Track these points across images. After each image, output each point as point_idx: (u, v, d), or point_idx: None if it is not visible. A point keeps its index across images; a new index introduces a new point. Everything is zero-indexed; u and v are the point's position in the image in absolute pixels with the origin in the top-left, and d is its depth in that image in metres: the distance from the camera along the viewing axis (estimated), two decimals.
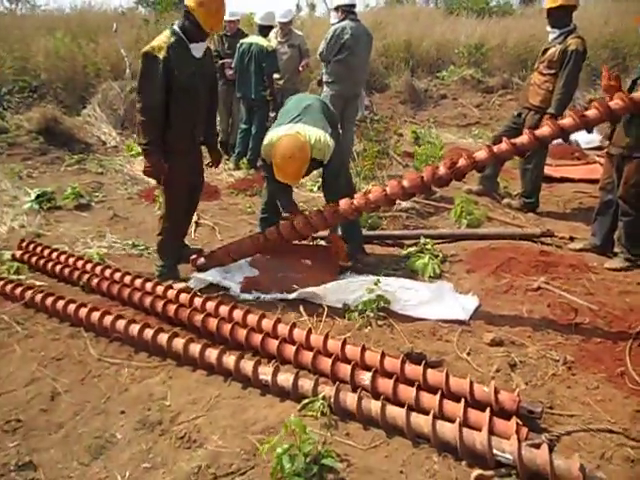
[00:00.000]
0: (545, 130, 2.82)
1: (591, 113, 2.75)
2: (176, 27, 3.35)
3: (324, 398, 2.39)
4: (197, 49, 3.42)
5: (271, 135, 3.59)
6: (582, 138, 7.37)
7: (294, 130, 3.50)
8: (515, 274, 3.72)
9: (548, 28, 4.88)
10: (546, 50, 4.87)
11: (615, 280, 3.70)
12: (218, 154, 4.00)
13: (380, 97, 9.62)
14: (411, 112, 9.53)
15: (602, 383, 2.68)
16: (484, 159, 2.97)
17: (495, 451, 2.09)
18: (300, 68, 6.95)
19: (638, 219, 3.85)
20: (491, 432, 2.15)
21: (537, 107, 4.89)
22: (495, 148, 2.94)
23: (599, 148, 7.57)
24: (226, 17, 6.96)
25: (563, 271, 3.73)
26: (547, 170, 5.65)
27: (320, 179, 4.19)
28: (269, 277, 3.68)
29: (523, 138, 2.89)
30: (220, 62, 6.90)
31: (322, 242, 4.30)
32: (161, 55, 3.25)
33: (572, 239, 4.38)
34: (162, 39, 3.31)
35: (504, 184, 5.60)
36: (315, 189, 5.67)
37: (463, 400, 2.35)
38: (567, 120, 2.79)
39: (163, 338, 2.87)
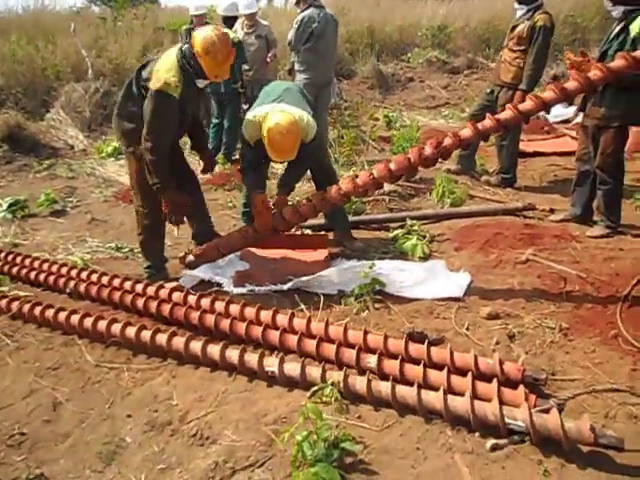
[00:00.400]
0: (528, 104, 2.87)
1: (571, 85, 2.81)
2: (183, 59, 3.16)
3: (333, 384, 2.39)
4: (201, 82, 3.35)
5: (254, 113, 3.52)
6: (551, 112, 7.53)
7: (278, 108, 3.46)
8: (502, 248, 3.79)
9: (515, 5, 4.94)
10: (514, 27, 4.93)
11: (598, 247, 3.80)
12: (211, 160, 3.96)
13: (348, 84, 9.61)
14: (380, 97, 9.55)
15: (598, 346, 2.76)
16: (469, 137, 3.00)
17: (507, 420, 2.13)
18: (268, 59, 6.86)
19: (615, 187, 3.96)
20: (501, 402, 2.20)
21: (509, 84, 4.95)
22: (479, 125, 2.97)
23: (566, 121, 7.76)
24: (192, 11, 6.88)
25: (549, 242, 3.82)
26: (520, 146, 5.73)
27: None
28: (261, 269, 3.66)
29: (507, 113, 2.93)
30: None
31: (308, 231, 4.31)
32: (176, 94, 3.14)
33: (552, 211, 4.48)
34: (173, 74, 3.12)
35: (481, 162, 5.69)
36: None
37: (470, 374, 2.39)
38: (548, 93, 2.84)
39: (162, 338, 2.83)
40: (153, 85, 3.12)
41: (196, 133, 3.80)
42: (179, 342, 2.79)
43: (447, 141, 3.02)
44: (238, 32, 6.65)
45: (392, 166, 3.13)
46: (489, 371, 2.45)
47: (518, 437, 2.13)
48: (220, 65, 3.19)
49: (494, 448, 2.11)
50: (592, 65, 3.02)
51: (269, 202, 3.59)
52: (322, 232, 4.29)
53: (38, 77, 8.51)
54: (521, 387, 2.30)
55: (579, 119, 6.76)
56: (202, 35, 3.14)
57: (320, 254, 3.78)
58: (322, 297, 3.31)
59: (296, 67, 5.98)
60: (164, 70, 3.14)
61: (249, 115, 3.59)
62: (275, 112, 3.41)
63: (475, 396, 2.26)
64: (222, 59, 3.16)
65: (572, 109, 7.23)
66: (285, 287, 3.39)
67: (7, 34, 9.10)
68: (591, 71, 2.82)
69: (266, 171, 4.04)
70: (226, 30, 6.20)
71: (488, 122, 2.95)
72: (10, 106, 8.01)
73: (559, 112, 7.49)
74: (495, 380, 2.34)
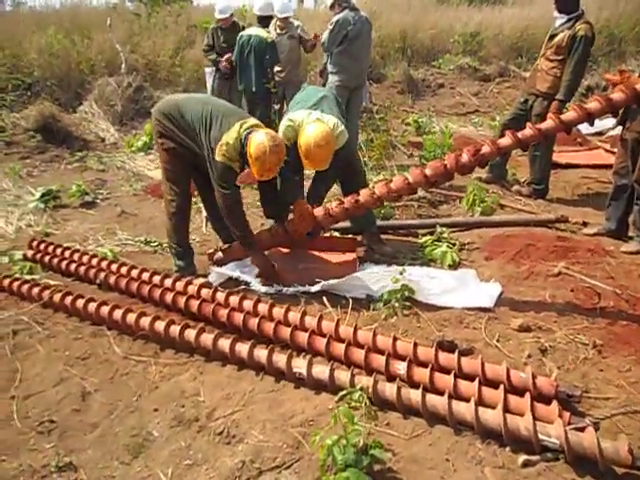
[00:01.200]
0: (571, 114, 2.81)
1: (617, 96, 2.74)
2: (242, 148, 3.30)
3: (362, 389, 2.37)
4: None
5: (293, 117, 3.56)
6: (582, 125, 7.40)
7: (314, 117, 3.48)
8: (534, 260, 3.72)
9: (555, 13, 4.86)
10: (553, 36, 4.85)
11: (634, 263, 3.71)
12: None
13: (378, 87, 9.57)
14: (410, 102, 9.49)
15: (633, 365, 2.69)
16: (508, 145, 2.96)
17: (540, 436, 2.08)
18: (314, 41, 6.74)
19: None
20: (534, 417, 2.15)
21: (545, 93, 4.88)
22: (520, 134, 2.92)
23: (599, 134, 7.62)
24: (216, 15, 6.91)
25: (582, 256, 3.74)
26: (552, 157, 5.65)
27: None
28: (288, 269, 3.64)
29: (548, 123, 2.87)
30: (217, 58, 6.93)
31: (336, 233, 4.29)
32: (237, 168, 3.38)
33: (585, 224, 4.40)
34: (234, 155, 3.30)
35: (512, 171, 5.60)
36: None
37: (502, 386, 2.34)
38: (593, 104, 2.78)
39: (191, 334, 2.84)
40: (218, 157, 3.30)
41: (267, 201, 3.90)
42: (207, 339, 2.79)
43: (485, 149, 2.98)
44: (272, 33, 6.67)
45: (428, 171, 3.10)
46: (521, 385, 2.40)
47: (551, 454, 2.09)
48: (267, 171, 3.31)
49: (526, 464, 2.07)
50: (636, 77, 2.94)
51: (311, 208, 3.59)
52: (350, 235, 4.28)
53: (73, 70, 8.66)
54: (554, 403, 2.24)
55: (614, 132, 6.69)
56: (256, 141, 3.21)
57: (349, 257, 3.76)
58: (350, 301, 3.29)
59: (329, 69, 5.97)
60: (228, 147, 3.28)
61: (287, 119, 3.63)
62: (311, 121, 3.44)
63: (507, 409, 2.22)
64: (269, 167, 3.28)
65: (607, 121, 7.10)
66: (313, 289, 3.38)
67: (45, 28, 9.27)
68: (638, 83, 2.75)
69: (302, 175, 4.06)
70: (260, 29, 6.30)
71: (529, 131, 2.90)
72: (45, 98, 8.16)
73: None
74: (528, 394, 2.30)
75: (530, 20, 11.77)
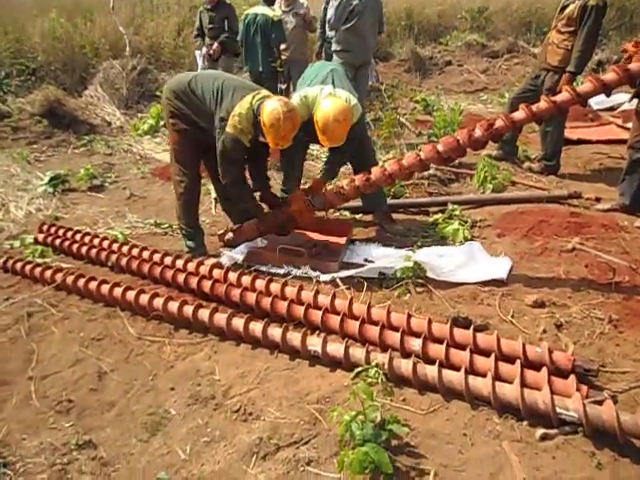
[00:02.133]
0: (587, 86, 2.75)
1: (634, 66, 2.68)
2: (255, 117, 3.25)
3: (377, 365, 2.37)
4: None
5: (304, 94, 3.51)
6: (593, 99, 7.26)
7: (327, 91, 3.42)
8: (547, 236, 3.69)
9: None
10: (564, 8, 4.73)
11: None
12: (273, 199, 3.90)
13: (384, 66, 9.44)
14: (416, 80, 9.36)
15: None
16: (523, 119, 2.90)
17: (558, 409, 2.08)
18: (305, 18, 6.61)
19: None
20: (551, 391, 2.14)
21: (556, 67, 4.77)
22: (534, 107, 2.86)
23: (611, 109, 7.49)
24: None
25: (596, 231, 3.70)
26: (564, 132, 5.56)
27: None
28: (273, 249, 3.59)
29: (564, 95, 2.81)
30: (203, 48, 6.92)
31: (346, 212, 4.26)
32: (247, 141, 3.31)
33: (598, 200, 4.34)
34: (247, 125, 3.25)
35: (523, 148, 5.53)
36: None
37: (518, 361, 2.33)
38: (610, 75, 2.71)
39: (204, 314, 2.84)
40: (230, 128, 3.25)
41: (258, 176, 3.81)
42: (221, 318, 2.79)
43: (499, 123, 2.93)
44: (278, 11, 6.56)
45: (440, 147, 3.05)
46: (538, 360, 2.40)
47: (569, 428, 2.08)
48: (282, 139, 3.25)
49: (544, 438, 2.07)
50: None
51: (308, 200, 3.57)
52: (360, 214, 4.25)
53: (77, 54, 8.59)
54: (572, 377, 2.23)
55: (627, 107, 6.57)
56: (270, 108, 3.16)
57: (340, 240, 3.71)
58: (363, 280, 3.28)
59: (333, 47, 5.88)
60: (240, 118, 3.23)
61: (297, 96, 3.57)
62: (325, 97, 3.38)
63: (524, 384, 2.21)
64: (284, 134, 3.22)
65: (619, 96, 6.97)
66: (323, 278, 3.33)
67: (47, 12, 9.18)
68: None
69: (304, 153, 4.02)
70: (266, 8, 6.19)
71: (544, 104, 2.84)
72: (49, 82, 8.11)
73: (603, 99, 7.21)
74: (544, 369, 2.28)
75: None
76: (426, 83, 9.32)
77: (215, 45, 6.82)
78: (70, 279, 3.28)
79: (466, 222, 3.90)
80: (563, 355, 2.38)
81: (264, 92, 3.38)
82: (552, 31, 4.92)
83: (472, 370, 2.34)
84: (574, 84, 3.79)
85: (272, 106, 3.16)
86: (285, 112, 3.14)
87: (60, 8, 9.37)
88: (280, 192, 4.18)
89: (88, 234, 3.97)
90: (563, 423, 2.09)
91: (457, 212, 3.98)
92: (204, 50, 6.96)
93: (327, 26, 6.56)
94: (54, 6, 9.55)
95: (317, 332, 2.78)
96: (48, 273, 3.39)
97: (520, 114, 2.90)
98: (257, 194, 3.75)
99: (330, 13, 5.76)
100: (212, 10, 6.84)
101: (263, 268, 3.50)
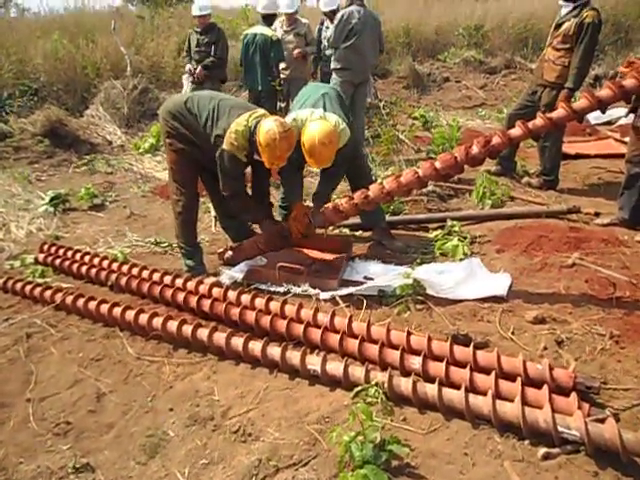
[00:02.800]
0: (583, 102, 2.77)
1: (629, 83, 2.70)
2: (251, 137, 3.29)
3: (377, 384, 2.35)
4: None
5: (295, 117, 3.54)
6: (591, 114, 7.31)
7: (317, 115, 3.46)
8: (547, 251, 3.68)
9: (561, 2, 4.79)
10: (559, 25, 4.79)
11: None
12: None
13: (383, 83, 9.53)
14: (415, 96, 9.44)
15: None
16: (519, 136, 2.92)
17: (560, 428, 2.05)
18: (295, 53, 6.66)
19: None
20: (552, 409, 2.12)
21: (553, 83, 4.81)
22: (530, 124, 2.88)
23: (609, 123, 7.53)
24: (195, 12, 6.67)
25: (596, 246, 3.69)
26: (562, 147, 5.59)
27: None
28: (272, 267, 3.58)
29: (559, 112, 2.83)
30: (188, 69, 6.87)
31: (346, 230, 4.27)
32: (243, 158, 3.37)
33: (597, 214, 4.34)
34: (242, 142, 3.29)
35: (521, 163, 5.55)
36: None
37: (519, 379, 2.31)
38: (605, 91, 2.74)
39: (203, 333, 2.83)
40: (225, 145, 3.29)
41: (258, 188, 3.84)
42: (220, 338, 2.79)
43: (495, 140, 2.94)
44: (277, 30, 6.65)
45: (438, 164, 3.07)
46: (538, 377, 2.37)
47: (571, 447, 2.06)
48: (277, 158, 3.30)
49: (546, 457, 2.04)
50: None
51: (308, 211, 3.59)
52: (359, 231, 4.26)
53: (78, 74, 8.67)
54: (573, 394, 2.21)
55: (624, 121, 6.61)
56: (266, 128, 3.20)
57: (340, 257, 3.71)
58: (363, 298, 3.27)
59: (333, 65, 5.95)
60: (237, 135, 3.27)
61: (289, 118, 3.60)
62: (314, 120, 3.42)
63: (525, 402, 2.19)
64: (279, 154, 3.26)
65: (616, 111, 7.01)
66: (322, 295, 3.33)
67: (50, 33, 9.31)
68: None
69: (301, 172, 4.04)
70: (265, 28, 6.27)
71: (540, 121, 2.86)
72: (51, 102, 8.19)
73: (598, 114, 7.26)
74: (545, 386, 2.27)
75: (534, 10, 11.67)
76: (424, 99, 9.40)
77: (199, 69, 6.72)
78: (69, 299, 3.28)
79: (465, 238, 3.90)
80: (564, 372, 2.36)
81: (260, 111, 3.41)
82: (548, 48, 4.97)
83: (472, 388, 2.33)
84: (572, 99, 3.83)
85: (268, 126, 3.19)
86: (281, 132, 3.17)
87: (63, 29, 9.49)
88: (278, 209, 4.19)
89: (88, 253, 3.98)
90: (565, 442, 2.07)
91: (456, 228, 3.98)
92: (187, 68, 6.89)
93: (322, 45, 6.68)
94: (57, 27, 9.69)
95: (317, 351, 2.76)
96: (48, 293, 3.40)
97: (517, 131, 2.92)
98: None
99: (330, 32, 5.83)
100: (201, 33, 6.76)
101: (263, 286, 3.50)
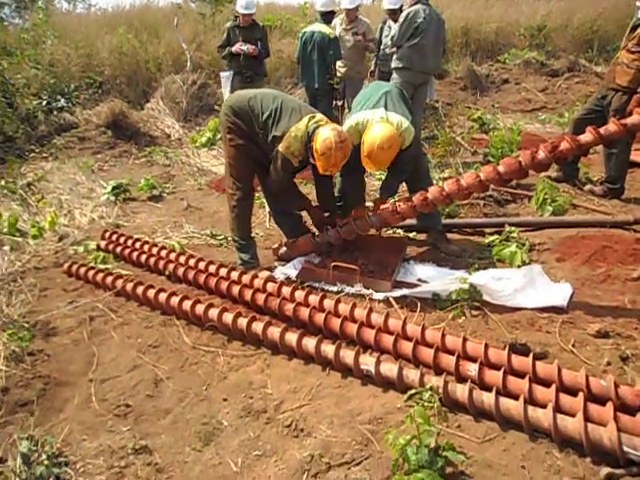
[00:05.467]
0: None
1: None
2: (308, 142, 3.35)
3: (432, 389, 2.32)
4: None
5: (355, 120, 3.53)
6: None
7: (378, 116, 3.43)
8: (611, 263, 3.54)
9: (638, 3, 4.59)
10: (636, 27, 4.58)
11: None
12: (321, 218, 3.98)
13: (440, 84, 9.35)
14: (472, 98, 9.25)
15: None
16: (589, 142, 2.81)
17: (626, 448, 1.97)
18: (358, 38, 6.58)
19: None
20: (617, 428, 2.03)
21: (625, 87, 4.60)
22: (602, 130, 2.77)
23: None
24: (241, 10, 6.54)
25: None
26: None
27: None
28: (326, 266, 3.57)
29: (634, 118, 2.71)
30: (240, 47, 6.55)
31: (400, 231, 4.23)
32: (296, 162, 3.45)
33: None
34: (298, 147, 3.36)
35: (584, 170, 5.34)
36: None
37: (581, 394, 2.23)
38: None
39: (258, 327, 2.87)
40: (281, 148, 3.38)
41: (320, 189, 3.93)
42: (275, 332, 2.82)
43: (564, 145, 2.84)
44: (337, 27, 6.65)
45: (501, 168, 2.99)
46: (602, 393, 2.28)
47: (637, 469, 1.97)
48: (332, 166, 3.34)
49: (609, 477, 1.96)
50: None
51: (367, 212, 3.61)
52: (413, 232, 4.21)
53: (141, 69, 9.00)
54: None
55: None
56: (323, 137, 3.23)
57: (394, 258, 3.68)
58: (417, 301, 3.24)
59: (394, 64, 5.89)
60: (295, 139, 3.35)
61: (350, 121, 3.60)
62: (375, 122, 3.40)
63: (587, 418, 2.11)
64: (334, 162, 3.30)
65: None
66: (376, 296, 3.32)
67: (115, 29, 9.67)
68: None
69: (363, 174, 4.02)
70: (323, 25, 6.27)
71: (612, 127, 2.75)
72: (114, 95, 8.52)
73: None
74: (610, 403, 2.18)
75: (601, 10, 11.21)
76: (482, 101, 9.20)
77: (251, 47, 6.53)
78: (129, 286, 3.40)
79: (524, 245, 3.79)
80: (630, 390, 2.26)
81: (319, 116, 3.45)
82: (621, 51, 4.76)
83: (531, 400, 2.26)
84: None
85: (326, 135, 3.22)
86: (338, 142, 3.20)
87: (128, 25, 9.83)
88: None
89: (147, 243, 4.11)
90: (630, 463, 1.98)
91: (514, 234, 3.87)
92: (236, 47, 6.55)
93: (383, 45, 6.62)
94: (122, 23, 10.04)
95: (369, 351, 2.76)
96: (109, 279, 3.53)
97: (587, 136, 2.81)
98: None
99: (394, 30, 5.78)
100: (247, 29, 6.69)
101: (316, 285, 3.52)
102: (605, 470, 1.98)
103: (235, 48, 6.58)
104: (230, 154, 3.69)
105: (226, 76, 6.92)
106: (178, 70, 8.92)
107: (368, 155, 3.35)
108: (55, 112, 7.65)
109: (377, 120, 3.41)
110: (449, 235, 4.12)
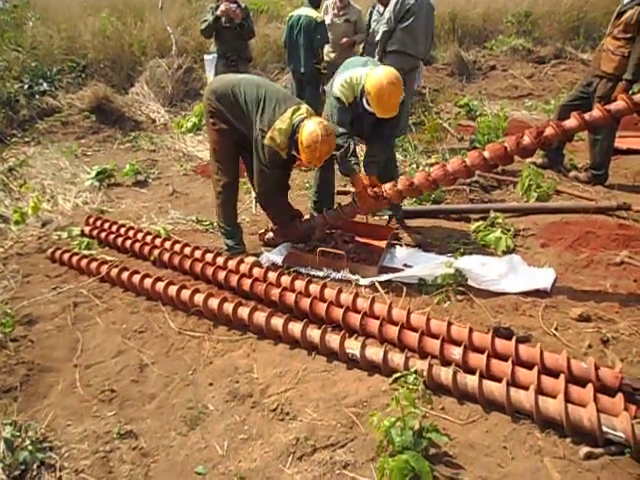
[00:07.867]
0: None
1: None
2: (294, 134, 3.30)
3: (416, 372, 2.34)
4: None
5: (348, 77, 3.45)
6: None
7: (369, 69, 3.38)
8: (594, 248, 3.58)
9: None
10: (621, 13, 4.58)
11: None
12: None
13: (427, 70, 9.29)
14: (459, 84, 9.23)
15: None
16: (574, 127, 2.82)
17: (605, 428, 2.01)
18: (344, 40, 6.52)
19: None
20: (597, 409, 2.07)
21: (610, 74, 4.63)
22: (587, 116, 2.78)
23: None
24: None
25: None
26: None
27: None
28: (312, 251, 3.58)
29: (618, 104, 2.72)
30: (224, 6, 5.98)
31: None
32: (283, 154, 3.39)
33: None
34: (283, 140, 3.32)
35: (569, 156, 5.38)
36: None
37: (562, 376, 2.27)
38: None
39: (244, 312, 2.87)
40: (268, 140, 3.33)
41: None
42: (260, 317, 2.82)
43: (549, 131, 2.85)
44: (328, 13, 6.56)
45: (486, 154, 3.00)
46: (583, 375, 2.33)
47: (615, 448, 2.01)
48: (316, 159, 3.30)
49: (588, 456, 2.00)
50: None
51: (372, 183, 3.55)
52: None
53: (125, 52, 8.80)
54: (619, 395, 2.16)
55: None
56: (309, 130, 3.19)
57: (380, 244, 3.69)
58: (403, 285, 3.25)
59: (388, 48, 5.80)
60: (280, 132, 3.30)
61: (343, 77, 3.50)
62: (375, 69, 3.35)
63: (568, 400, 2.15)
64: (319, 155, 3.26)
65: None
66: (362, 282, 3.33)
67: (99, 11, 9.46)
68: None
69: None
70: (310, 9, 6.18)
71: (597, 113, 2.76)
72: (98, 79, 8.35)
73: None
74: (590, 385, 2.22)
75: None
76: (469, 88, 9.18)
77: (237, 9, 6.01)
78: (114, 271, 3.37)
79: (509, 230, 3.82)
80: (610, 372, 2.31)
81: (304, 107, 3.40)
82: (607, 37, 4.77)
83: (514, 382, 2.29)
84: (629, 92, 3.68)
85: (312, 128, 3.19)
86: (323, 135, 3.17)
87: (112, 7, 9.62)
88: (312, 205, 4.14)
89: (132, 228, 4.07)
90: (609, 443, 2.03)
91: (499, 220, 3.90)
92: (222, 7, 5.96)
93: (371, 30, 6.55)
94: (106, 5, 9.82)
95: (355, 335, 2.77)
96: (94, 265, 3.50)
97: (572, 122, 2.82)
98: None
99: (388, 13, 5.73)
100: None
101: (302, 270, 3.52)
102: (585, 450, 2.02)
103: (222, 7, 6.02)
104: (214, 138, 3.65)
105: (210, 59, 6.67)
106: (163, 54, 8.76)
107: (379, 96, 3.25)
108: (37, 96, 7.48)
109: (376, 68, 3.35)
110: (435, 221, 4.15)
